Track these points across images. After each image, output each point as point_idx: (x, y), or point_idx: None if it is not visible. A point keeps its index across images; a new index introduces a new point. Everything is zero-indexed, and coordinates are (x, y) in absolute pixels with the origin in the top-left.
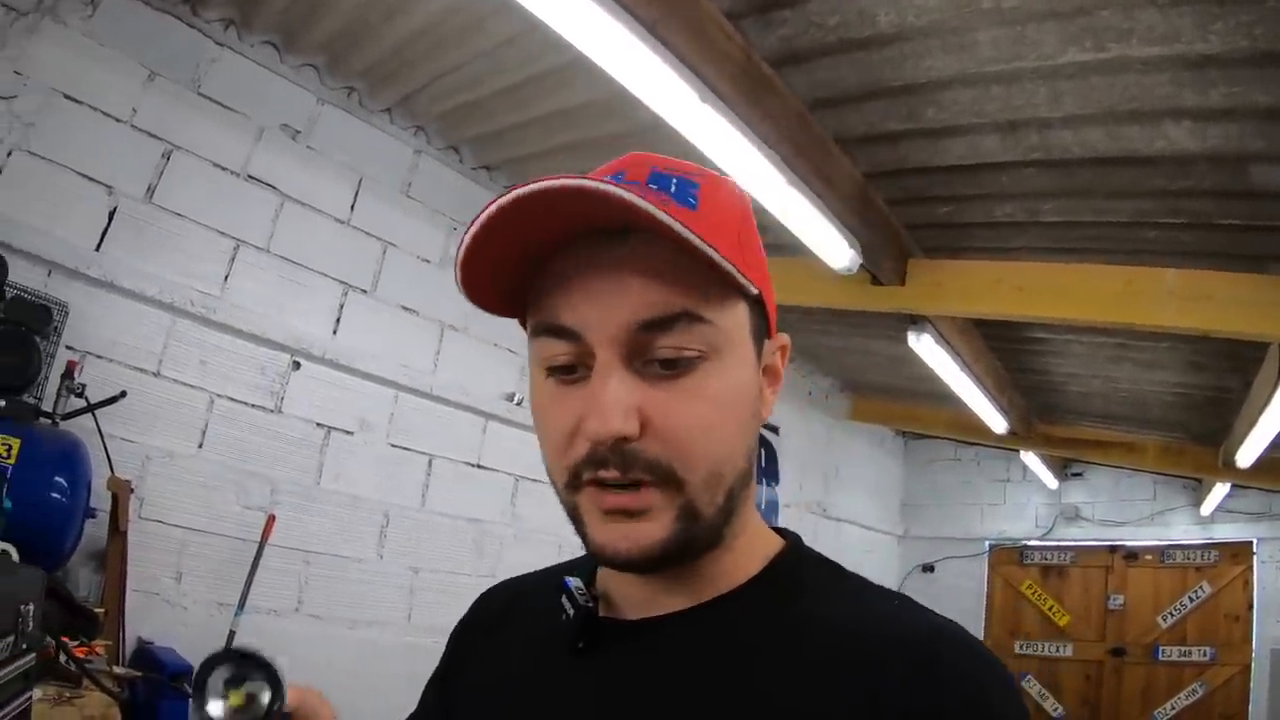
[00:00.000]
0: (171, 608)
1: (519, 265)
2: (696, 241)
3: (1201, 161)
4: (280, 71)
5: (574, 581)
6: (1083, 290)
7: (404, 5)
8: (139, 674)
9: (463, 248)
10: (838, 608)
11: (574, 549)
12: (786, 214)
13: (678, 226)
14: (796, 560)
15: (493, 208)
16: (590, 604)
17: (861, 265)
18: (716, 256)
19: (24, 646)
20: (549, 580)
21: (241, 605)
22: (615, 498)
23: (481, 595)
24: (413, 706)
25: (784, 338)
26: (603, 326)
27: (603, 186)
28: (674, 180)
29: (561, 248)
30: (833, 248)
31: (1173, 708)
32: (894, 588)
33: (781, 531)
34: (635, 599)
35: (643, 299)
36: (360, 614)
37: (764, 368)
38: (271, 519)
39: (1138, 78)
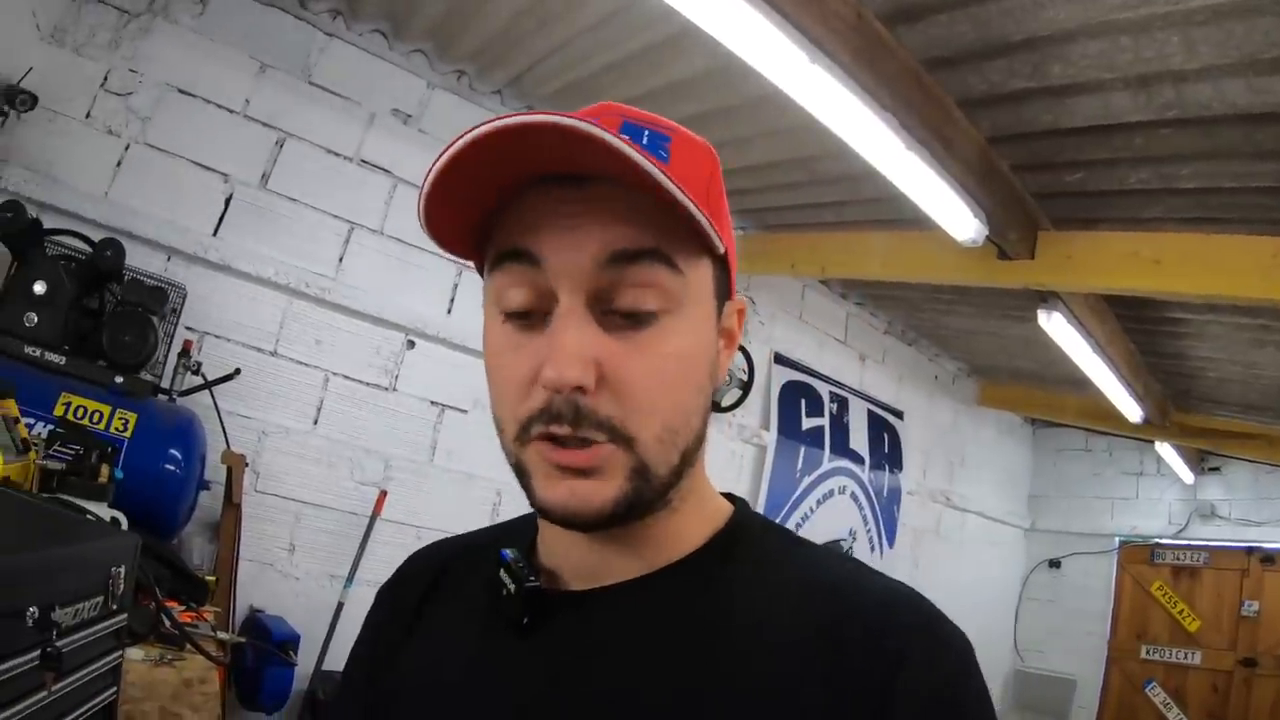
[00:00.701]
0: (284, 578)
1: (478, 210)
2: (673, 187)
3: None
4: (389, 58)
5: (511, 554)
6: (1226, 262)
7: None
8: (243, 639)
9: (429, 180)
10: (790, 575)
11: None
12: (905, 182)
13: (656, 172)
14: (746, 526)
15: (470, 136)
16: (532, 579)
17: (987, 237)
18: (690, 204)
19: (114, 607)
20: (483, 547)
21: (351, 577)
22: (566, 454)
23: (409, 559)
24: None
25: (742, 300)
26: (567, 260)
27: (586, 126)
28: (646, 132)
29: (521, 192)
30: (956, 218)
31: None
32: (1019, 583)
33: (729, 497)
34: (579, 567)
35: (614, 231)
36: None
37: (721, 329)
38: (383, 495)
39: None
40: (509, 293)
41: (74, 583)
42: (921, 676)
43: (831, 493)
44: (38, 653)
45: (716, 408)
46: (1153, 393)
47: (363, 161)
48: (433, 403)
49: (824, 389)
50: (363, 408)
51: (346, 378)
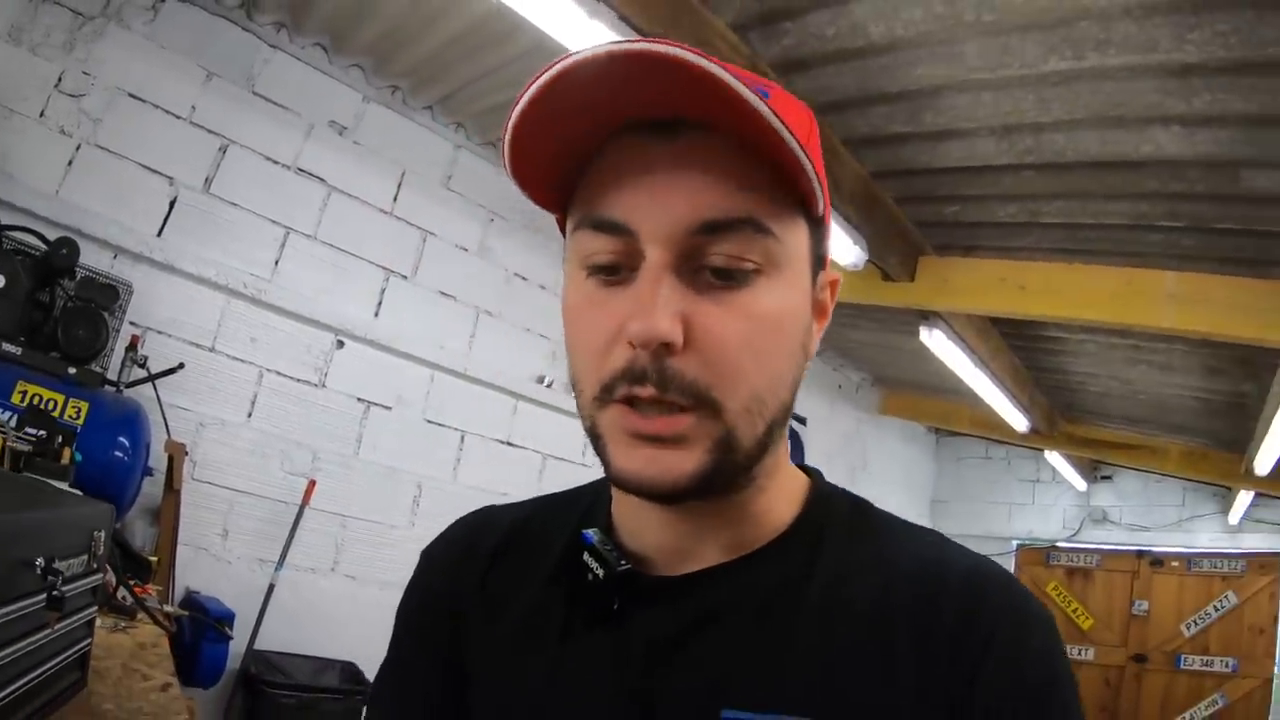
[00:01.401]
0: (217, 561)
1: (562, 158)
2: (784, 130)
3: (1193, 166)
4: (329, 71)
5: (595, 535)
6: (1083, 290)
7: (445, 11)
8: (186, 613)
9: (519, 109)
10: (882, 552)
11: None
12: None
13: (769, 113)
14: (831, 501)
15: (558, 68)
16: (625, 564)
17: (870, 261)
18: (800, 150)
19: (94, 567)
20: (544, 520)
21: (281, 562)
22: (648, 422)
23: (459, 524)
24: None
25: (836, 273)
26: (657, 224)
27: (703, 62)
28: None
29: (609, 140)
30: (839, 244)
31: (1192, 717)
32: None
33: (802, 466)
34: (664, 548)
35: (705, 198)
36: (392, 576)
37: (815, 301)
38: (312, 484)
39: (1121, 84)
40: (595, 251)
41: (66, 541)
42: (1010, 656)
43: None
44: (44, 596)
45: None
46: (1039, 404)
47: (300, 170)
48: (359, 399)
49: None
50: (294, 403)
51: (279, 374)
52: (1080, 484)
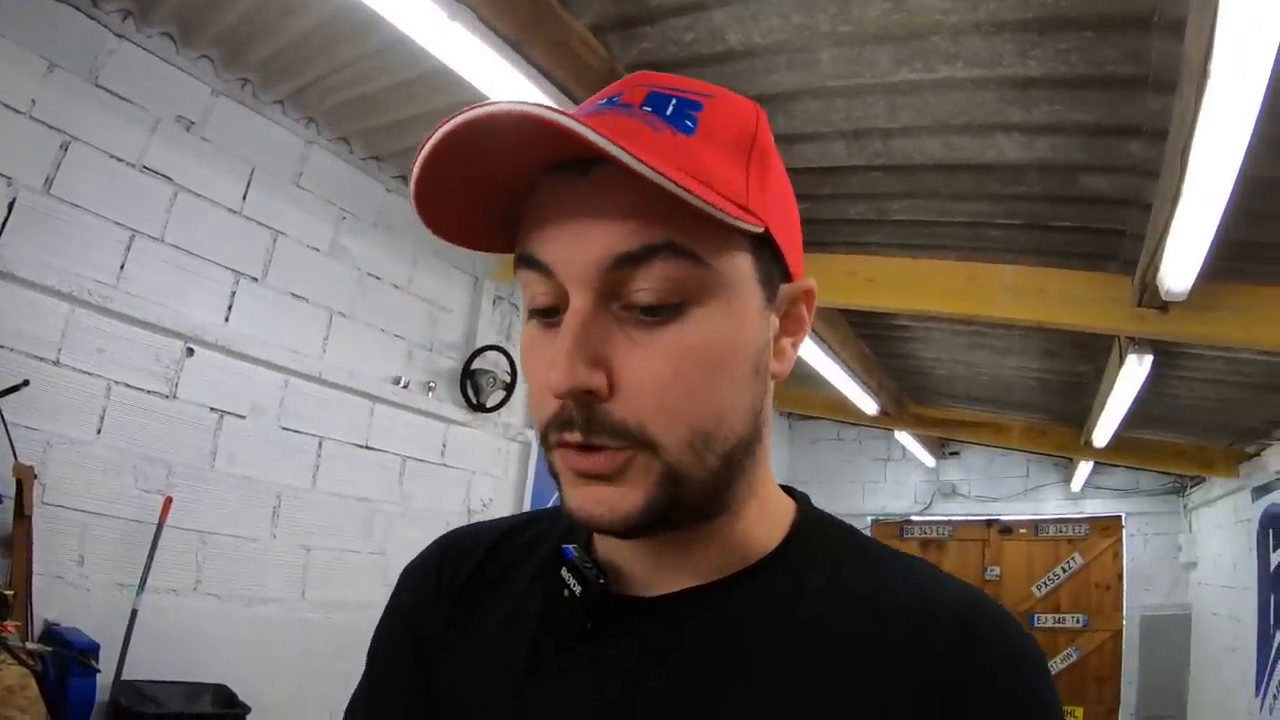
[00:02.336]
0: (75, 590)
1: (493, 201)
2: (652, 175)
3: (1032, 170)
4: (176, 63)
5: (575, 552)
6: (929, 283)
7: (300, 3)
8: (50, 649)
9: (414, 179)
10: (867, 580)
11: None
12: None
13: (628, 159)
14: (816, 526)
15: (438, 135)
16: (602, 582)
17: None
18: (678, 189)
19: None
20: (527, 538)
21: (142, 585)
22: (584, 459)
23: (440, 542)
24: (308, 679)
25: (809, 282)
26: (572, 262)
27: (547, 114)
28: (673, 101)
29: (540, 176)
30: None
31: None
32: None
33: (789, 490)
34: (643, 571)
35: (618, 231)
36: (256, 591)
37: (783, 315)
38: (168, 501)
39: (968, 95)
40: (531, 292)
41: None
42: (1000, 688)
43: None
44: None
45: (483, 408)
46: (887, 388)
47: (145, 168)
48: (212, 409)
49: None
50: (145, 416)
51: (128, 386)
52: (929, 461)
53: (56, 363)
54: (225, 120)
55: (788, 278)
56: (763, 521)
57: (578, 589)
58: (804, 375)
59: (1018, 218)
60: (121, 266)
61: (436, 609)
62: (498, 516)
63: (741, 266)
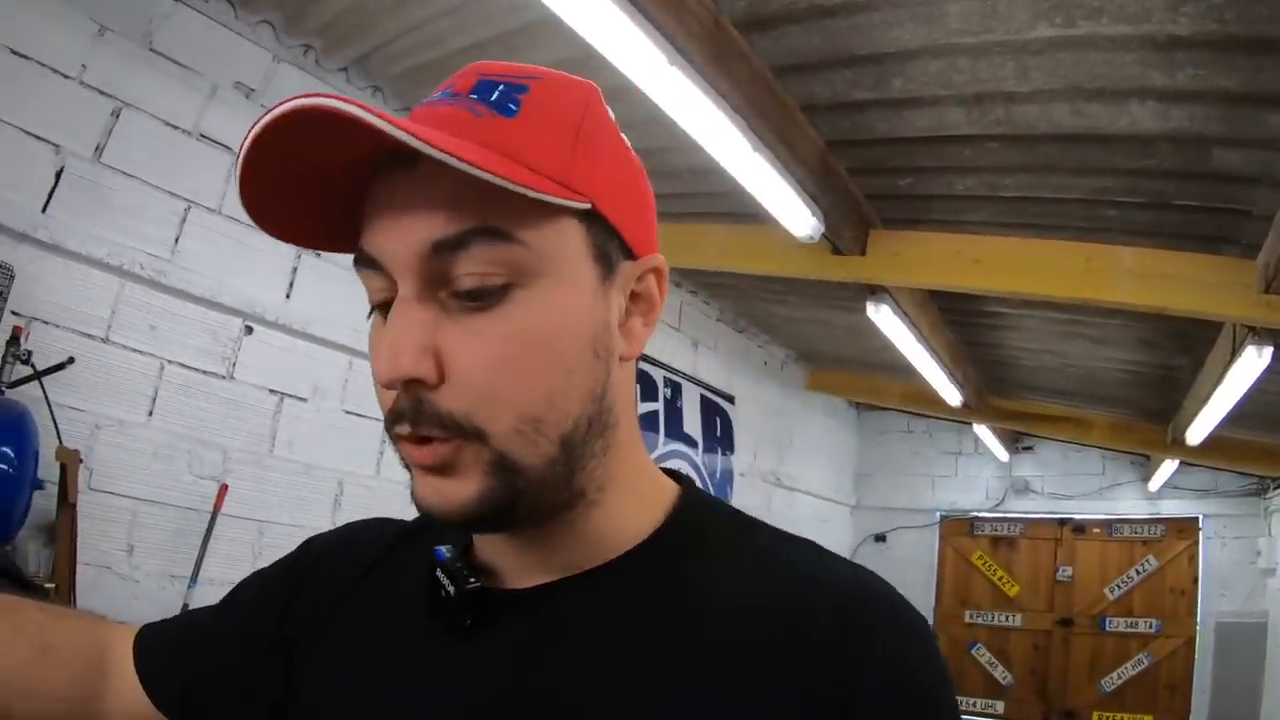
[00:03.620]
0: (124, 581)
1: (329, 198)
2: (444, 158)
3: (1163, 142)
4: (235, 28)
5: (447, 552)
6: (1041, 265)
7: None
8: None
9: (236, 173)
10: (751, 563)
11: None
12: (750, 180)
13: (417, 144)
14: (697, 509)
15: (254, 130)
16: (472, 581)
17: (823, 234)
18: (475, 170)
19: None
20: (423, 536)
21: (194, 577)
22: (415, 451)
23: (351, 525)
24: None
25: (657, 259)
26: (395, 252)
27: (339, 106)
28: (499, 87)
29: (374, 170)
30: (795, 216)
31: (1118, 677)
32: (848, 556)
33: (673, 475)
34: (514, 567)
35: (435, 218)
36: None
37: (631, 293)
38: (224, 488)
39: (1106, 55)
40: (370, 288)
41: None
42: (888, 670)
43: None
44: None
45: None
46: (971, 379)
47: (202, 136)
48: (271, 391)
49: (658, 374)
50: (199, 397)
51: (182, 366)
52: (1003, 455)
53: (106, 340)
54: (286, 87)
55: (630, 256)
56: (633, 509)
57: (451, 589)
58: (883, 364)
59: (1139, 195)
60: (176, 239)
61: (328, 586)
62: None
63: (569, 246)
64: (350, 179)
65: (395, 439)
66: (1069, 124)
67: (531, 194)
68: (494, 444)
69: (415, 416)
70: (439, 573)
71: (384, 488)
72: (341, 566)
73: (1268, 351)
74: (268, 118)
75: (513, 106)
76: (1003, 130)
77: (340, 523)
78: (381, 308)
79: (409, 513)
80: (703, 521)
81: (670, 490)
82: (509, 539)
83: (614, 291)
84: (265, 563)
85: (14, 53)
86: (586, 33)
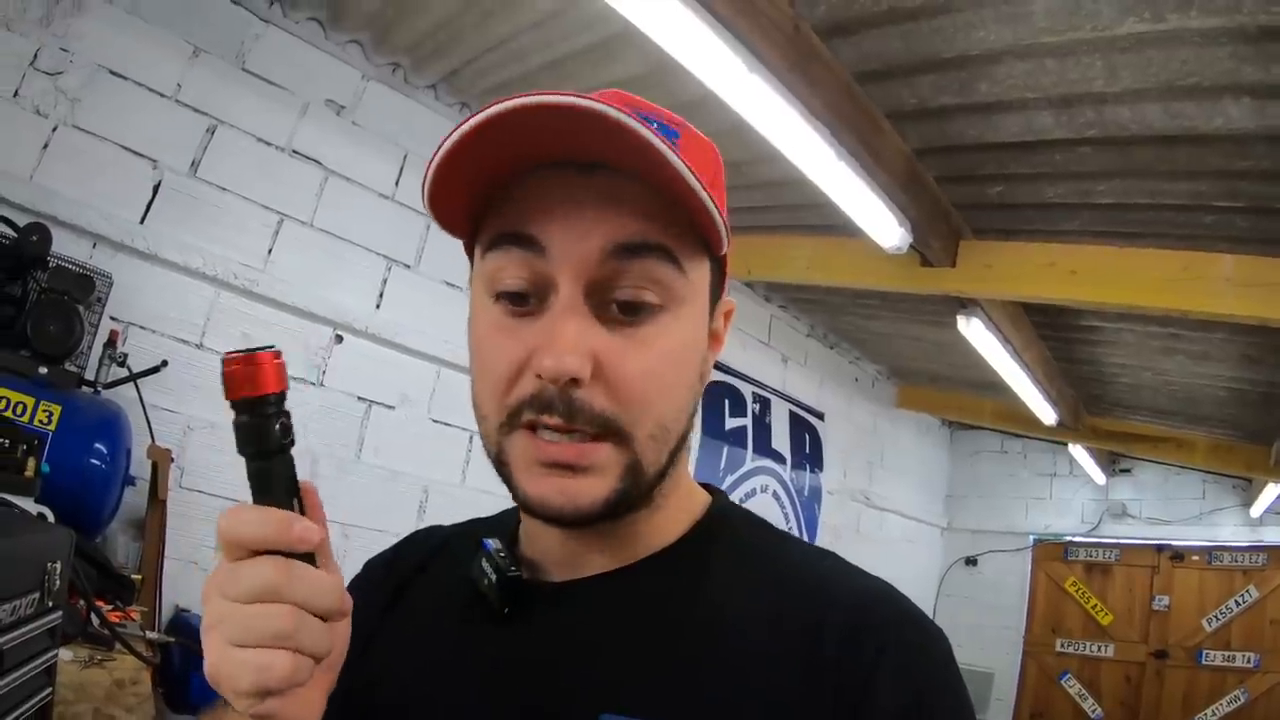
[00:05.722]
0: (207, 576)
1: (478, 191)
2: (693, 178)
3: (1260, 141)
4: (324, 48)
5: (493, 543)
6: (1138, 275)
7: None
8: (174, 639)
9: (439, 157)
10: (769, 567)
11: None
12: (834, 190)
13: (678, 162)
14: (724, 517)
15: (487, 114)
16: (514, 570)
17: (911, 245)
18: (707, 197)
19: (49, 605)
20: (471, 536)
21: None
22: (558, 448)
23: (407, 538)
24: None
25: (731, 302)
26: (568, 243)
27: (615, 112)
28: (655, 124)
29: (522, 176)
30: (882, 226)
31: (1214, 713)
32: (937, 580)
33: (707, 487)
34: (558, 558)
35: (617, 222)
36: None
37: (710, 330)
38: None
39: (1196, 51)
40: (504, 275)
41: (9, 579)
42: (900, 674)
43: (754, 491)
44: None
45: None
46: (1065, 397)
47: (294, 152)
48: (360, 398)
49: (747, 390)
50: (289, 402)
51: None
52: (1099, 477)
53: (199, 346)
54: (376, 105)
55: (720, 297)
56: (675, 515)
57: (494, 577)
58: (974, 381)
59: (1239, 199)
60: (269, 250)
61: (379, 597)
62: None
63: (704, 282)
64: (493, 175)
65: (526, 426)
66: (1161, 125)
67: (724, 237)
68: (634, 446)
69: (569, 410)
70: (484, 562)
71: (468, 496)
72: (388, 578)
73: None
74: (506, 105)
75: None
76: (1094, 133)
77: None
78: (511, 297)
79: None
80: (726, 529)
81: (703, 499)
82: (568, 535)
83: (708, 326)
84: (350, 564)
85: (113, 73)
86: (665, 43)
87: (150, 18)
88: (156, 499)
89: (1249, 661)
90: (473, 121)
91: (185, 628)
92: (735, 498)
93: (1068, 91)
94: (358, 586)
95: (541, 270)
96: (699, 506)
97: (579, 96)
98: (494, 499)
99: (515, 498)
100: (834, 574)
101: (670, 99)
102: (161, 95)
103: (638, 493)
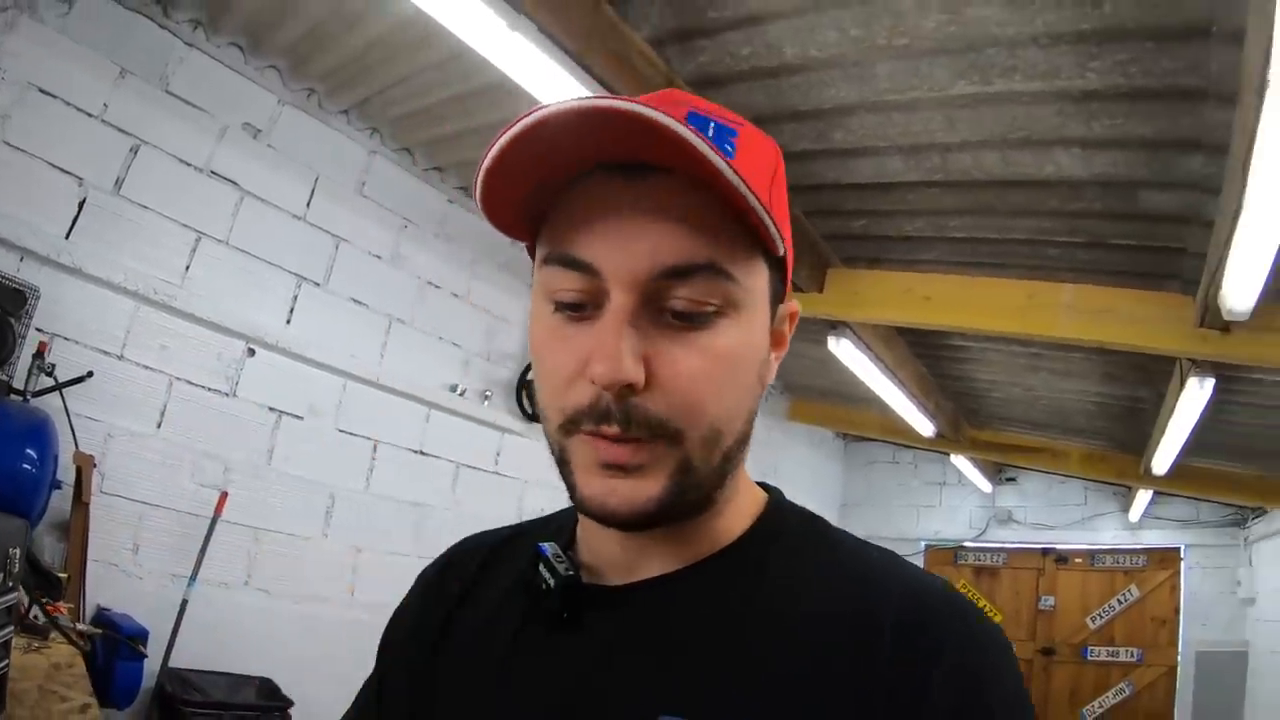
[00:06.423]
0: (128, 577)
1: (534, 189)
2: (745, 188)
3: (1092, 185)
4: (244, 72)
5: (550, 548)
6: (986, 302)
7: (363, 16)
8: (100, 631)
9: (490, 158)
10: (827, 566)
11: None
12: None
13: (729, 171)
14: (782, 517)
15: (537, 116)
16: (571, 573)
17: None
18: (760, 206)
19: (9, 585)
20: (526, 539)
21: (194, 577)
22: (612, 450)
23: (455, 547)
24: (353, 677)
25: (795, 304)
26: (620, 267)
27: (661, 117)
28: (712, 124)
29: (578, 177)
30: None
31: (1100, 706)
32: None
33: (764, 486)
34: (616, 561)
35: (667, 243)
36: (305, 589)
37: (772, 332)
38: (224, 496)
39: (1025, 109)
40: (559, 287)
41: None
42: (960, 669)
43: None
44: None
45: (538, 418)
46: (944, 410)
47: (212, 172)
48: (271, 409)
49: None
50: (204, 412)
51: (189, 383)
52: (985, 486)
53: (121, 357)
54: (291, 129)
55: (784, 298)
56: (737, 516)
57: (552, 581)
58: (858, 396)
59: (1077, 235)
60: (187, 267)
61: (438, 609)
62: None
63: (762, 284)
64: (545, 178)
65: (585, 433)
66: (1000, 171)
67: (779, 243)
68: (686, 447)
69: (625, 418)
70: (540, 566)
71: (374, 503)
72: (449, 585)
73: (1210, 383)
74: (554, 109)
75: (729, 147)
76: (940, 177)
77: (329, 535)
78: (569, 306)
79: (403, 524)
80: (784, 527)
81: (760, 498)
82: (628, 538)
83: (770, 328)
84: (260, 566)
85: (42, 91)
86: (547, 100)
87: (80, 38)
88: (80, 502)
89: (1132, 656)
90: (519, 126)
91: (107, 623)
92: None
93: (914, 141)
94: (415, 599)
95: (595, 284)
96: (757, 506)
97: (631, 102)
98: (395, 504)
99: (573, 498)
100: (891, 571)
101: None
102: (88, 115)
103: (691, 493)
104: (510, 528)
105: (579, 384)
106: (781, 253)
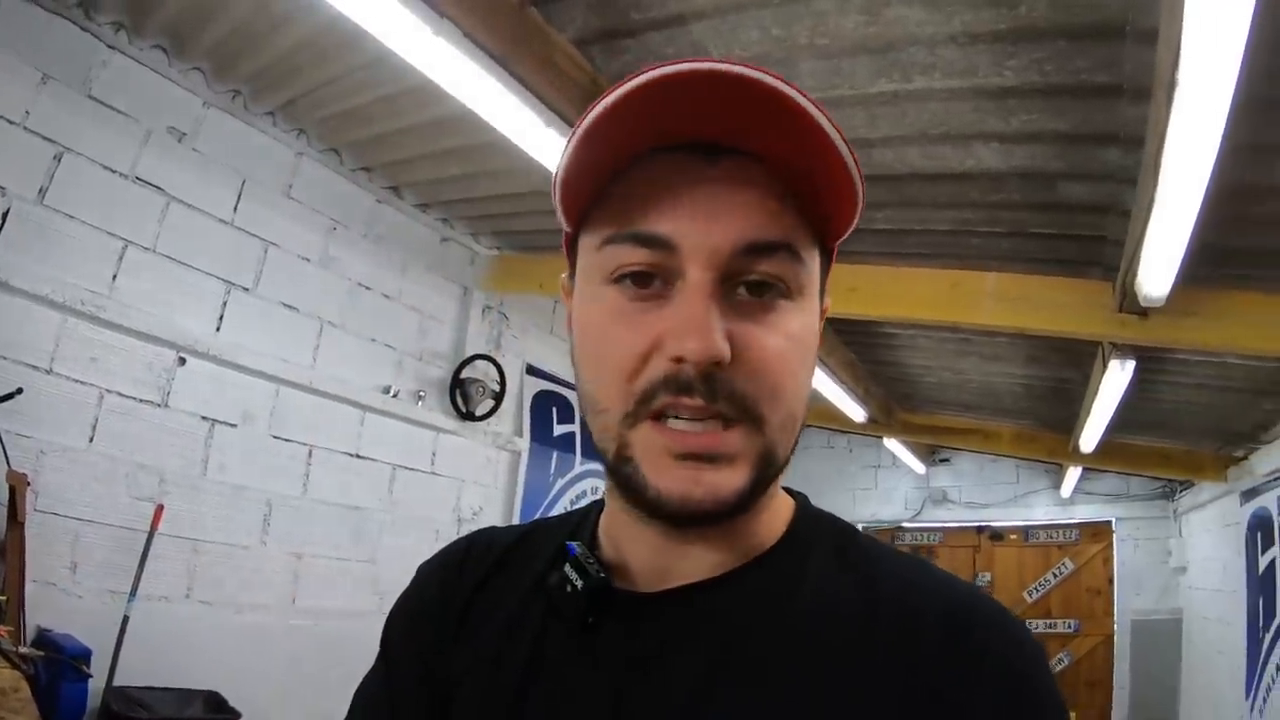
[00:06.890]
0: (67, 596)
1: (608, 173)
2: (846, 154)
3: (1012, 178)
4: (168, 75)
5: (579, 548)
6: (911, 291)
7: (289, 17)
8: (42, 653)
9: (578, 136)
10: (864, 571)
11: (449, 537)
12: None
13: (837, 138)
14: (814, 523)
15: (628, 87)
16: (602, 575)
17: None
18: (856, 175)
19: None
20: (541, 539)
21: (134, 593)
22: (695, 438)
23: (457, 543)
24: (298, 686)
25: (829, 299)
26: (701, 243)
27: (775, 83)
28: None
29: (637, 160)
30: None
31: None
32: None
33: (787, 490)
34: (647, 565)
35: (750, 219)
36: (247, 599)
37: None
38: (160, 509)
39: (944, 105)
40: (626, 260)
41: None
42: (1002, 673)
43: (585, 493)
44: None
45: (472, 417)
46: (875, 396)
47: (137, 179)
48: (204, 418)
49: (574, 398)
50: (136, 424)
51: (120, 395)
52: (919, 468)
53: (50, 371)
54: (216, 132)
55: (825, 292)
56: (772, 519)
57: (579, 583)
58: None
59: (999, 225)
60: (114, 276)
61: (456, 603)
62: (490, 525)
63: (817, 273)
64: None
65: (653, 419)
66: (922, 165)
67: (859, 204)
68: (766, 432)
69: (710, 390)
70: (568, 568)
71: (311, 507)
72: (456, 584)
73: (1130, 365)
74: (660, 73)
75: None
76: (865, 171)
77: (268, 543)
78: (634, 278)
79: (342, 528)
80: (819, 532)
81: (790, 502)
82: (671, 537)
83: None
84: (200, 578)
85: None
86: (471, 102)
87: (0, 43)
88: (16, 522)
89: (1069, 627)
90: (616, 94)
91: (49, 644)
92: (566, 500)
93: None
94: (416, 596)
95: (669, 261)
96: (788, 510)
97: (737, 64)
98: (333, 509)
99: (638, 497)
100: (927, 576)
101: (491, 135)
102: (10, 122)
103: (765, 485)
104: (523, 526)
105: (652, 364)
106: (839, 240)
